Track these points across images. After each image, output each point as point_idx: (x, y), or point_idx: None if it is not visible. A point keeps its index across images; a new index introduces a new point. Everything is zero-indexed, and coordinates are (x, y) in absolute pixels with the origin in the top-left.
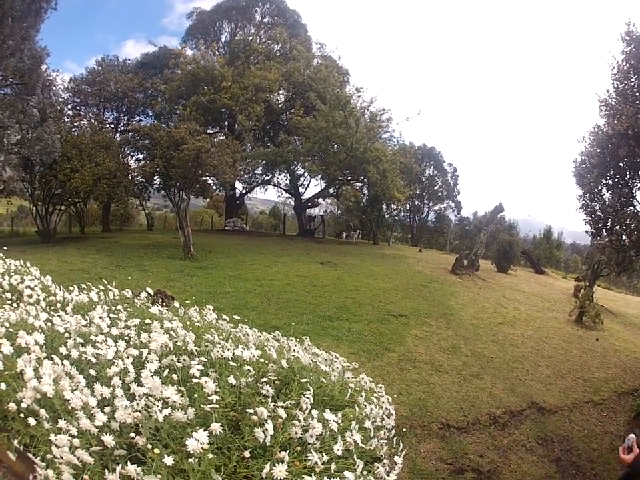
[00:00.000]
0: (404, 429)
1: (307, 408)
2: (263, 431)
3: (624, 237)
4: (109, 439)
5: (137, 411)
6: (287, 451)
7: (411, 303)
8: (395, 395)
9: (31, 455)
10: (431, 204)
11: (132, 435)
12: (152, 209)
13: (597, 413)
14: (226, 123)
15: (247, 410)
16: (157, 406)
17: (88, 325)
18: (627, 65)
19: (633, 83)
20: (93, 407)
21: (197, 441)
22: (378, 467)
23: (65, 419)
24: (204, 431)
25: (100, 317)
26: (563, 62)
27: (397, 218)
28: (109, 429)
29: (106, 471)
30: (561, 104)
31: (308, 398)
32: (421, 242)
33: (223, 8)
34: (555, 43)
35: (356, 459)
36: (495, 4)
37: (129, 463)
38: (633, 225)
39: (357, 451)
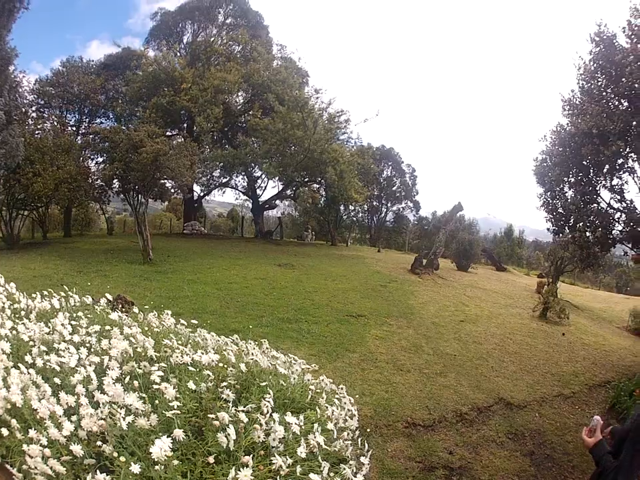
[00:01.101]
0: (368, 430)
1: (267, 411)
2: (226, 436)
3: (588, 234)
4: (77, 449)
5: (102, 419)
6: (251, 455)
7: (370, 303)
8: (358, 396)
9: (8, 466)
10: (389, 204)
11: (99, 443)
12: (112, 213)
13: (568, 406)
14: (185, 125)
15: (209, 415)
16: (120, 413)
17: (51, 332)
18: (595, 65)
19: (599, 83)
20: (60, 416)
21: (160, 448)
22: (344, 468)
23: (35, 429)
24: (167, 437)
25: (62, 324)
26: (524, 62)
27: (355, 219)
28: (77, 438)
29: None
30: (521, 103)
31: (268, 401)
32: (379, 242)
33: (186, 9)
34: (517, 45)
35: (321, 461)
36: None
37: (97, 472)
38: (597, 222)
39: (321, 453)
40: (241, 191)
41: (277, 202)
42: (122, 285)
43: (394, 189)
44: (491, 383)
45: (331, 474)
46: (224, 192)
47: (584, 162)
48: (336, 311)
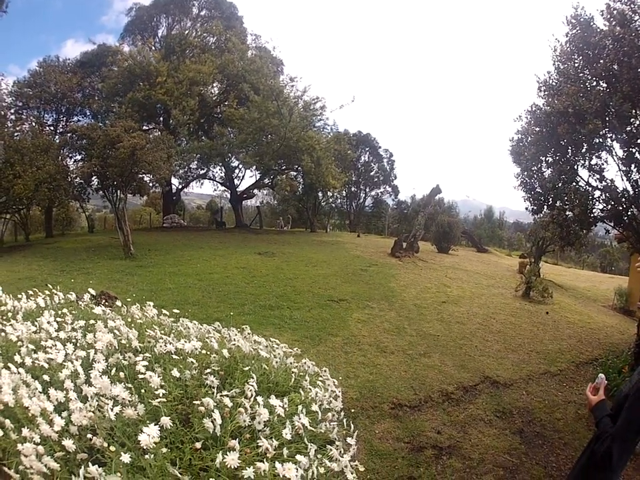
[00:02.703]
0: (355, 411)
1: (252, 395)
2: (212, 421)
3: (567, 212)
4: (69, 443)
5: (91, 412)
6: (237, 439)
7: (351, 287)
8: (342, 379)
9: (5, 469)
10: (367, 189)
11: (89, 436)
12: (92, 211)
13: (556, 384)
14: (161, 119)
15: (194, 402)
16: (108, 405)
17: (38, 330)
18: (571, 46)
19: (576, 64)
20: (51, 412)
21: (148, 435)
22: (331, 449)
23: (27, 427)
24: (155, 425)
25: (48, 322)
26: (502, 43)
27: (333, 205)
28: (68, 434)
29: (72, 476)
30: (499, 84)
31: (252, 385)
32: (358, 227)
33: (161, 2)
34: (494, 26)
35: (307, 443)
36: None
37: (90, 465)
38: (576, 200)
39: (307, 435)
40: (218, 182)
41: (255, 191)
42: (105, 281)
43: (372, 174)
44: (476, 362)
45: (319, 455)
46: (202, 184)
47: (561, 141)
48: (317, 296)
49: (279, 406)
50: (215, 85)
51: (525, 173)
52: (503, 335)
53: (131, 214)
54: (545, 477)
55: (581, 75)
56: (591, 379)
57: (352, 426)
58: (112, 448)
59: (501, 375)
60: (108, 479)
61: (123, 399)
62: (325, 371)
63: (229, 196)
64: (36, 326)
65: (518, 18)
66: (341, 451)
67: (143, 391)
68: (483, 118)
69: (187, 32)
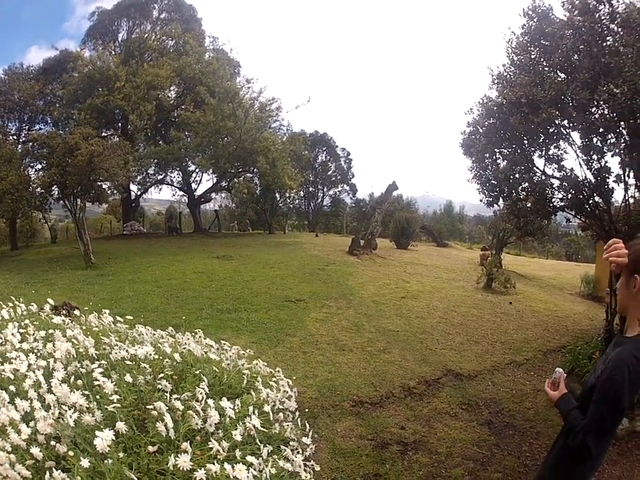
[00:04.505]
0: (313, 410)
1: (202, 398)
2: (165, 425)
3: (525, 202)
4: (36, 451)
5: (52, 420)
6: (189, 442)
7: (308, 287)
8: (300, 378)
9: None
10: (325, 189)
11: (53, 443)
12: (55, 221)
13: (523, 373)
14: (120, 125)
15: (148, 406)
16: (68, 412)
17: (3, 343)
18: (528, 38)
19: (532, 56)
20: (19, 422)
21: (103, 440)
22: (285, 450)
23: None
24: (110, 430)
25: (12, 334)
26: (458, 38)
27: (292, 206)
28: (36, 442)
29: None
30: (455, 79)
31: (202, 388)
32: (317, 227)
33: (122, 6)
34: (448, 20)
35: (260, 444)
36: None
37: (54, 470)
38: (532, 190)
39: (259, 436)
40: (176, 187)
41: (213, 195)
42: (67, 291)
43: (329, 173)
44: (438, 356)
45: (275, 456)
46: (160, 189)
47: (516, 132)
48: (275, 297)
49: (229, 408)
50: (172, 88)
51: (478, 165)
52: (465, 327)
53: (92, 222)
54: (520, 467)
55: (539, 66)
56: (559, 365)
57: (307, 425)
58: (71, 453)
59: (464, 367)
60: None
61: (81, 405)
62: (279, 371)
63: (187, 201)
64: (1, 338)
65: (474, 11)
66: (298, 451)
67: (98, 397)
68: (440, 113)
69: (146, 35)
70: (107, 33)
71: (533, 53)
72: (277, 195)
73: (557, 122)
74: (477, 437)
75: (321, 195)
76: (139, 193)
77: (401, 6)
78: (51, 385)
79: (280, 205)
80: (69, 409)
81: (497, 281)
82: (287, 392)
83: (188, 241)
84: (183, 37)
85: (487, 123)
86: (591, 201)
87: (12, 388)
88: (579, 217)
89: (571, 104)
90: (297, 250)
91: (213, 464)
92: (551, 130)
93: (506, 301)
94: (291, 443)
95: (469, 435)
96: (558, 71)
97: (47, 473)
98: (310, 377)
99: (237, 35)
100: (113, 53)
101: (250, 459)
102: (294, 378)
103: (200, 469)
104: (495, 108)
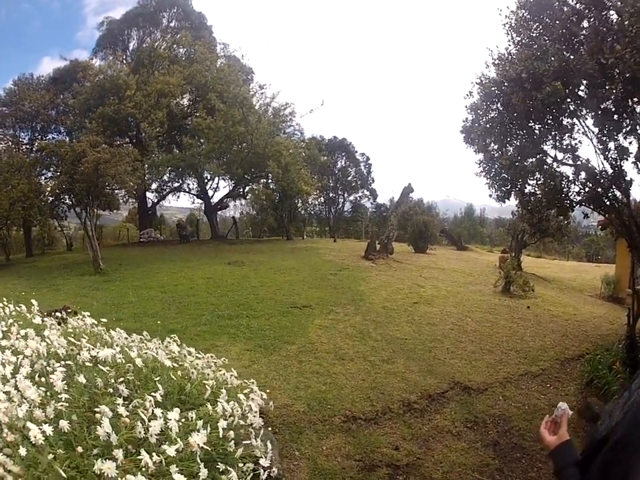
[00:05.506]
0: (295, 425)
1: (150, 407)
2: (104, 429)
3: (539, 195)
4: None
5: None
6: (122, 450)
7: (317, 293)
8: (290, 390)
9: None
10: (345, 194)
11: (5, 431)
12: (74, 229)
13: (538, 385)
14: (133, 133)
15: (95, 409)
16: (23, 405)
17: None
18: (527, 13)
19: (533, 34)
20: None
21: (35, 432)
22: (231, 472)
23: None
24: (57, 426)
25: None
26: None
27: (312, 212)
28: None
29: None
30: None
31: (153, 396)
32: (337, 233)
33: (131, 15)
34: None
35: (200, 462)
36: None
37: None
38: (547, 181)
39: (205, 453)
40: (194, 194)
41: (230, 201)
42: (72, 296)
43: (349, 178)
44: (446, 366)
45: (224, 477)
46: (178, 197)
47: (524, 119)
48: (280, 303)
49: (174, 419)
50: (185, 96)
51: (484, 156)
52: (479, 335)
53: (112, 230)
54: None
55: (540, 42)
56: (578, 377)
57: (269, 445)
58: (9, 438)
59: (473, 379)
60: (11, 468)
61: (33, 400)
62: (253, 382)
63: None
64: None
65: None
66: (259, 472)
67: (48, 393)
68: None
69: (156, 44)
70: (117, 42)
71: (533, 31)
72: (297, 201)
73: (565, 101)
74: (479, 461)
75: (342, 200)
76: (155, 200)
77: (419, 10)
78: (16, 380)
79: (300, 210)
80: (24, 402)
81: (515, 284)
82: (249, 405)
83: (203, 247)
84: (194, 44)
85: (487, 107)
86: (609, 194)
87: None
88: (598, 211)
89: (576, 79)
90: (311, 255)
91: (136, 475)
92: (556, 109)
93: (524, 305)
94: (247, 465)
95: (470, 459)
96: (559, 44)
97: None
98: (301, 388)
99: (251, 42)
100: (124, 62)
101: (177, 477)
102: (274, 390)
103: (121, 479)
104: (495, 88)
